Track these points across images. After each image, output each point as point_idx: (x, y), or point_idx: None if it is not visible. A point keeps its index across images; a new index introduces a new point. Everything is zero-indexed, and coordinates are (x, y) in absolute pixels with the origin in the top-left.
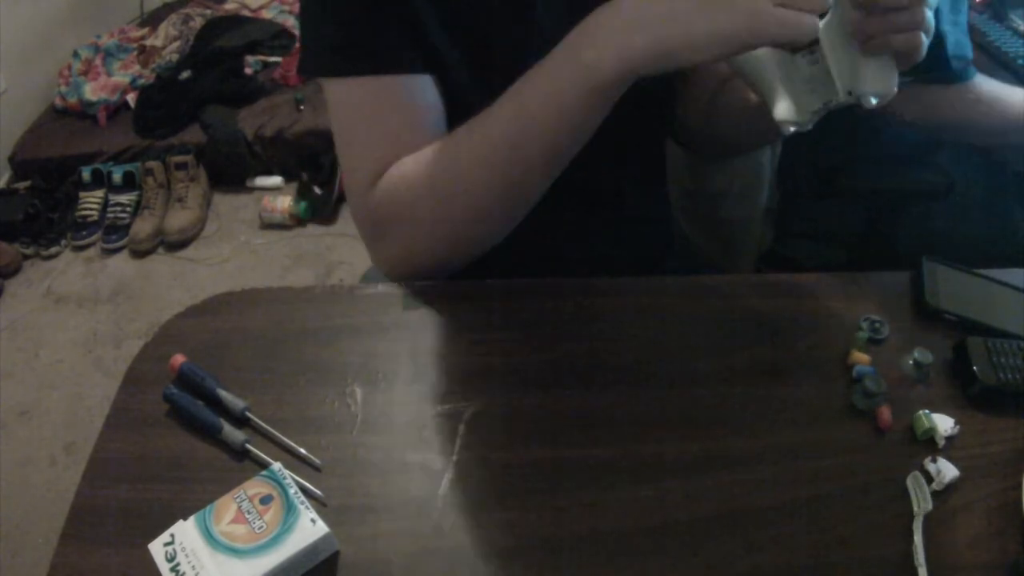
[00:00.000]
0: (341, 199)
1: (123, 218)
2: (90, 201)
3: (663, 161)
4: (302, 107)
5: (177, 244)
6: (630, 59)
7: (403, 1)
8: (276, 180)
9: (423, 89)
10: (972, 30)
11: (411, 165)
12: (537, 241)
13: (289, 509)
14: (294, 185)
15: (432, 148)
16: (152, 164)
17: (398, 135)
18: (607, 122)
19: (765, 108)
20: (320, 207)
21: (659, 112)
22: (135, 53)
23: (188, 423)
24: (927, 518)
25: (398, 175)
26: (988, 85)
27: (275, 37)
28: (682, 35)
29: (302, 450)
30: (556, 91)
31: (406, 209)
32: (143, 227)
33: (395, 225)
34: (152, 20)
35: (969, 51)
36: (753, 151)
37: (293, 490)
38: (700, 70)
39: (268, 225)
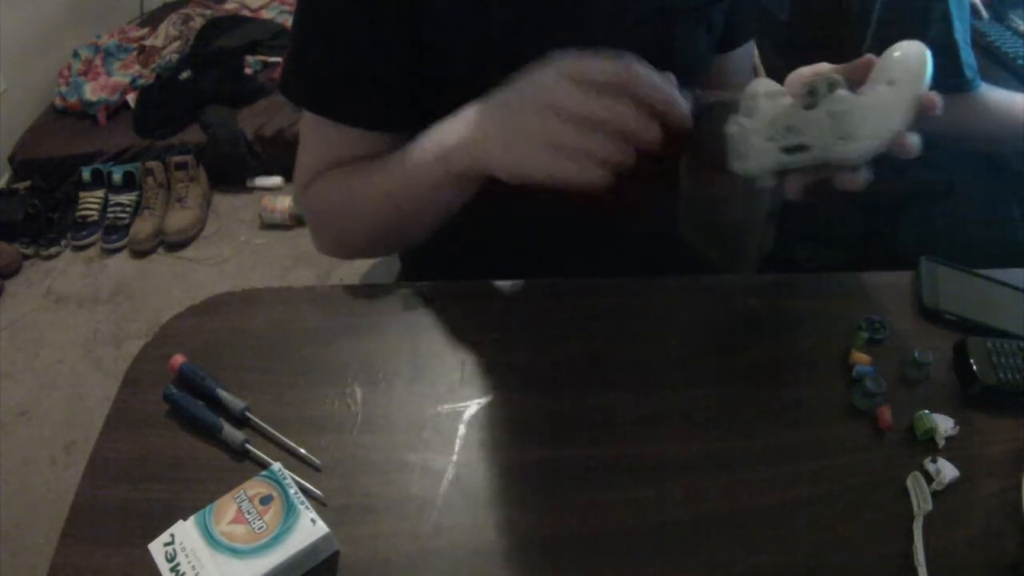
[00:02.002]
0: None
1: (123, 218)
2: (90, 201)
3: (675, 176)
4: None
5: (177, 244)
6: (461, 171)
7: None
8: (276, 180)
9: (373, 143)
10: (973, 31)
11: (328, 184)
12: (538, 252)
13: (289, 509)
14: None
15: (348, 176)
16: (152, 164)
17: (339, 163)
18: None
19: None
20: None
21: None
22: (135, 53)
23: (188, 423)
24: (927, 518)
25: (322, 187)
26: (995, 94)
27: (275, 37)
28: (492, 160)
29: (302, 450)
30: (415, 176)
31: (322, 217)
32: (143, 227)
33: (318, 224)
34: (152, 20)
35: (975, 61)
36: None
37: (293, 490)
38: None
39: (268, 225)
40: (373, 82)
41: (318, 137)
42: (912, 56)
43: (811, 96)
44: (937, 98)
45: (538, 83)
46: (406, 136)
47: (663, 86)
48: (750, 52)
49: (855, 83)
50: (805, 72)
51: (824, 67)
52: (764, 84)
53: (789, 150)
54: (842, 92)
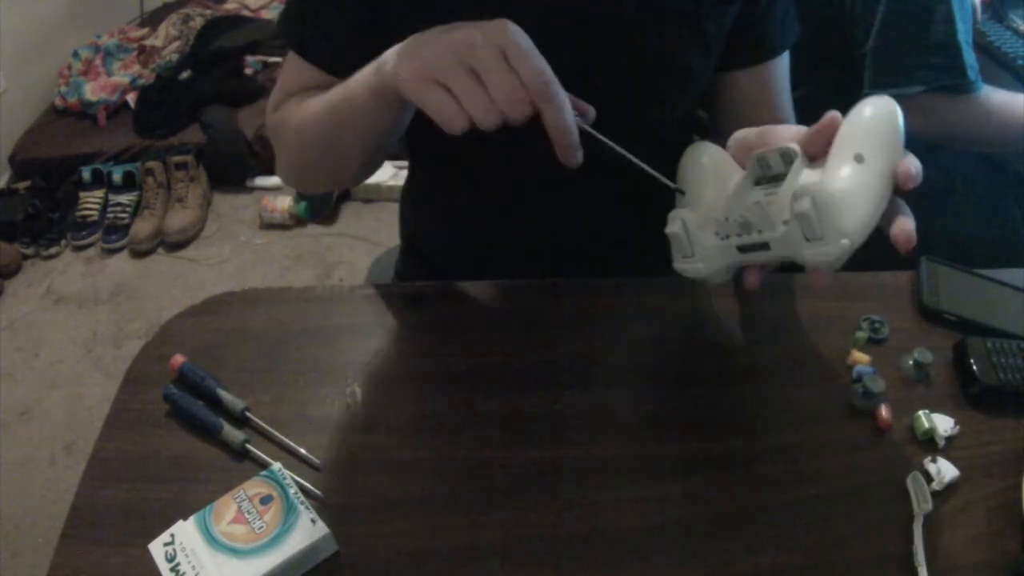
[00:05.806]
0: (341, 199)
1: (123, 218)
2: (90, 201)
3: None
4: None
5: (177, 244)
6: (385, 83)
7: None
8: (276, 180)
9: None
10: (973, 31)
11: (291, 105)
12: (538, 252)
13: (289, 509)
14: None
15: (308, 97)
16: (152, 164)
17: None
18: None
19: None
20: (320, 207)
21: (681, 129)
22: (135, 53)
23: (188, 423)
24: (927, 518)
25: (286, 108)
26: (996, 95)
27: (275, 37)
28: (400, 75)
29: (302, 450)
30: (357, 87)
31: (283, 134)
32: (143, 227)
33: (280, 143)
34: (152, 20)
35: (976, 62)
36: None
37: (293, 490)
38: (725, 91)
39: (268, 225)
40: (344, 37)
41: (293, 69)
42: (881, 119)
43: (762, 169)
44: (913, 168)
45: (477, 30)
46: None
47: (564, 118)
48: (782, 72)
49: (814, 156)
50: (750, 136)
51: (780, 132)
52: (705, 148)
53: (746, 248)
54: (799, 165)
